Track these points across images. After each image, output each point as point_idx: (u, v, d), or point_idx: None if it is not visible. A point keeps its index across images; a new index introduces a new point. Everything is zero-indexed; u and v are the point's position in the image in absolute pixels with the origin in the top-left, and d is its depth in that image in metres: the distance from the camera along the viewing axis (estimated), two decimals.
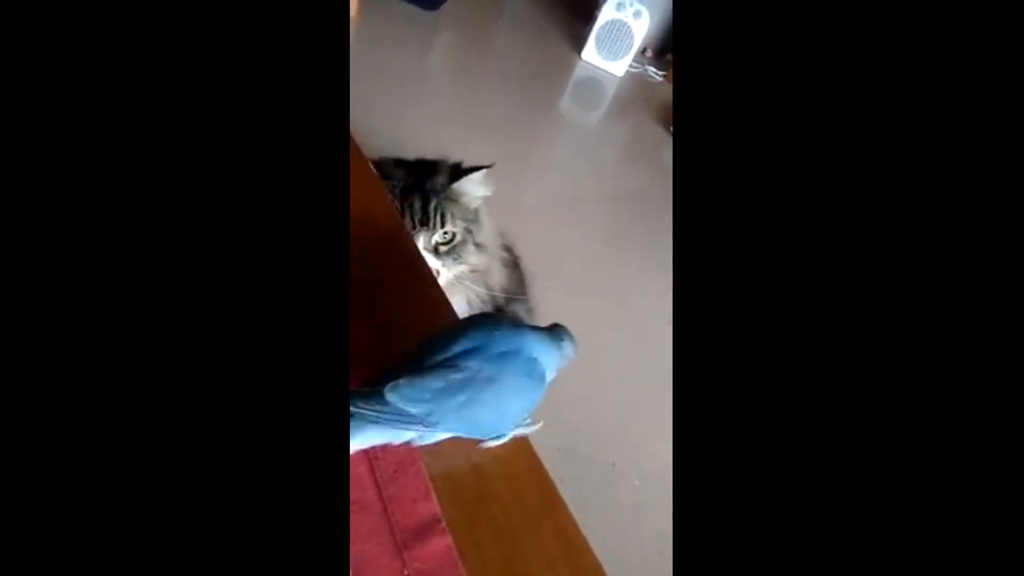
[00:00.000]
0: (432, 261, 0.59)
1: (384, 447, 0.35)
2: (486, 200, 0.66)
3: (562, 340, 0.38)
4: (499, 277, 0.67)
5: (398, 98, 1.59)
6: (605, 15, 2.07)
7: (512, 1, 2.37)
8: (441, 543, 0.32)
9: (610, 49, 2.13)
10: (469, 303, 0.63)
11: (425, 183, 0.61)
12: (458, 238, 0.61)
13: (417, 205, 0.59)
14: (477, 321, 0.36)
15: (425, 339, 0.35)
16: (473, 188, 0.63)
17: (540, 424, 0.39)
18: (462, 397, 0.32)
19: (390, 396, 0.31)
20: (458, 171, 0.63)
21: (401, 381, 0.32)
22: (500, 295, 0.67)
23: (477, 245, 0.63)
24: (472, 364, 0.33)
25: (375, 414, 0.31)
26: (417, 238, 0.59)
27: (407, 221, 0.59)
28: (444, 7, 1.98)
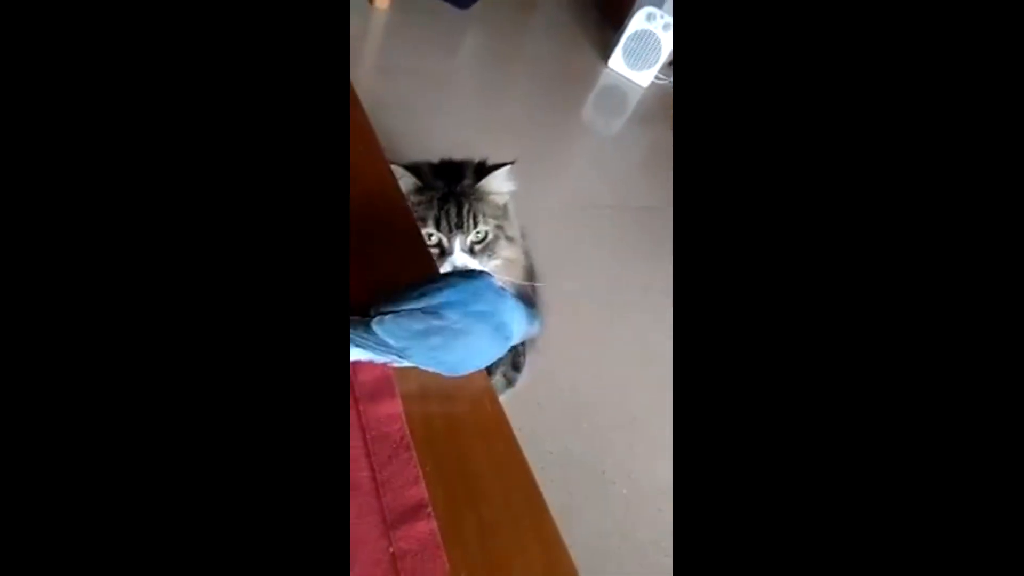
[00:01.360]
0: (468, 261, 0.62)
1: (383, 435, 0.37)
2: (512, 194, 0.69)
3: (534, 316, 0.44)
4: (522, 267, 0.70)
5: (422, 93, 1.61)
6: (635, 25, 2.07)
7: (543, 4, 2.38)
8: (426, 527, 0.35)
9: (637, 59, 2.13)
10: None
11: (456, 187, 0.64)
12: (490, 235, 0.64)
13: (452, 211, 0.62)
14: (467, 277, 0.40)
15: (414, 282, 0.40)
16: (499, 184, 0.66)
17: None
18: (436, 341, 0.38)
19: (376, 328, 0.37)
20: (482, 169, 0.65)
21: (387, 318, 0.37)
22: (527, 284, 0.70)
23: (508, 239, 0.66)
24: (451, 315, 0.38)
25: (361, 339, 0.37)
26: (453, 242, 0.61)
27: (443, 225, 0.62)
28: (475, 6, 2.00)
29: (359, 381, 0.40)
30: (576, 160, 1.82)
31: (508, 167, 0.65)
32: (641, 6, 2.06)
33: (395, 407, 0.39)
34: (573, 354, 1.15)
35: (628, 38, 2.10)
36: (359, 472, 0.36)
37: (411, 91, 1.59)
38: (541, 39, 2.21)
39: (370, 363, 0.41)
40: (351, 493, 0.35)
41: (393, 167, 0.60)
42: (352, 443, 0.36)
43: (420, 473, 0.37)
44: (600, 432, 1.07)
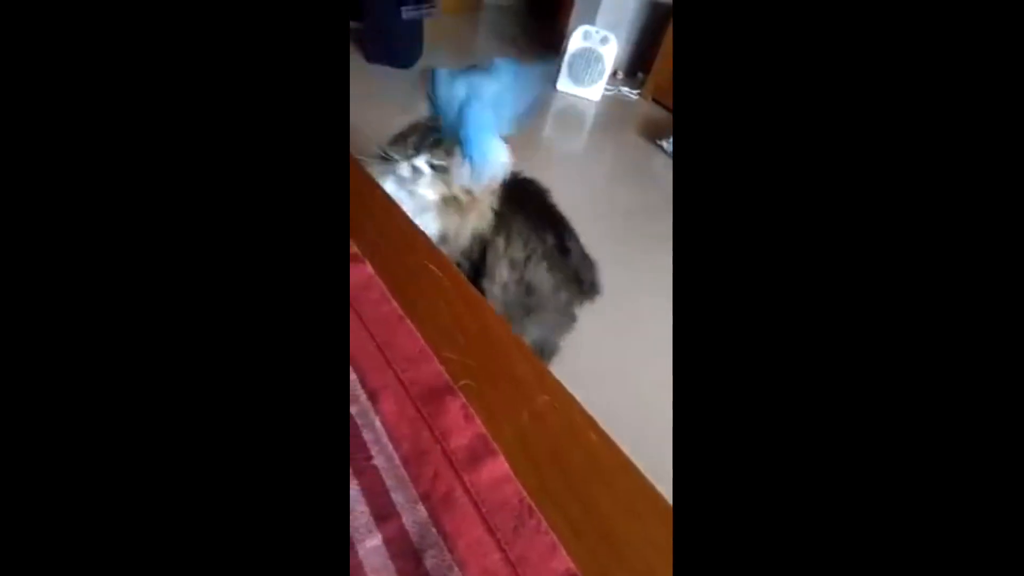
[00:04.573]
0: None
1: (500, 504, 0.31)
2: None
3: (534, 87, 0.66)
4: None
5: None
6: (573, 45, 2.13)
7: (481, 46, 2.45)
8: None
9: (583, 77, 2.18)
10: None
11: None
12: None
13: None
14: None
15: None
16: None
17: None
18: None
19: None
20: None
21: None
22: None
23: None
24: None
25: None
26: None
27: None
28: (418, 63, 2.04)
29: (452, 448, 0.34)
30: (550, 183, 1.82)
31: None
32: (576, 27, 2.12)
33: (501, 466, 0.33)
34: (611, 363, 1.10)
35: (570, 59, 2.15)
36: (489, 556, 0.29)
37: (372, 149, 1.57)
38: None
39: (456, 426, 0.35)
40: None
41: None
42: (468, 522, 0.31)
43: (555, 539, 0.31)
44: (665, 438, 1.01)
